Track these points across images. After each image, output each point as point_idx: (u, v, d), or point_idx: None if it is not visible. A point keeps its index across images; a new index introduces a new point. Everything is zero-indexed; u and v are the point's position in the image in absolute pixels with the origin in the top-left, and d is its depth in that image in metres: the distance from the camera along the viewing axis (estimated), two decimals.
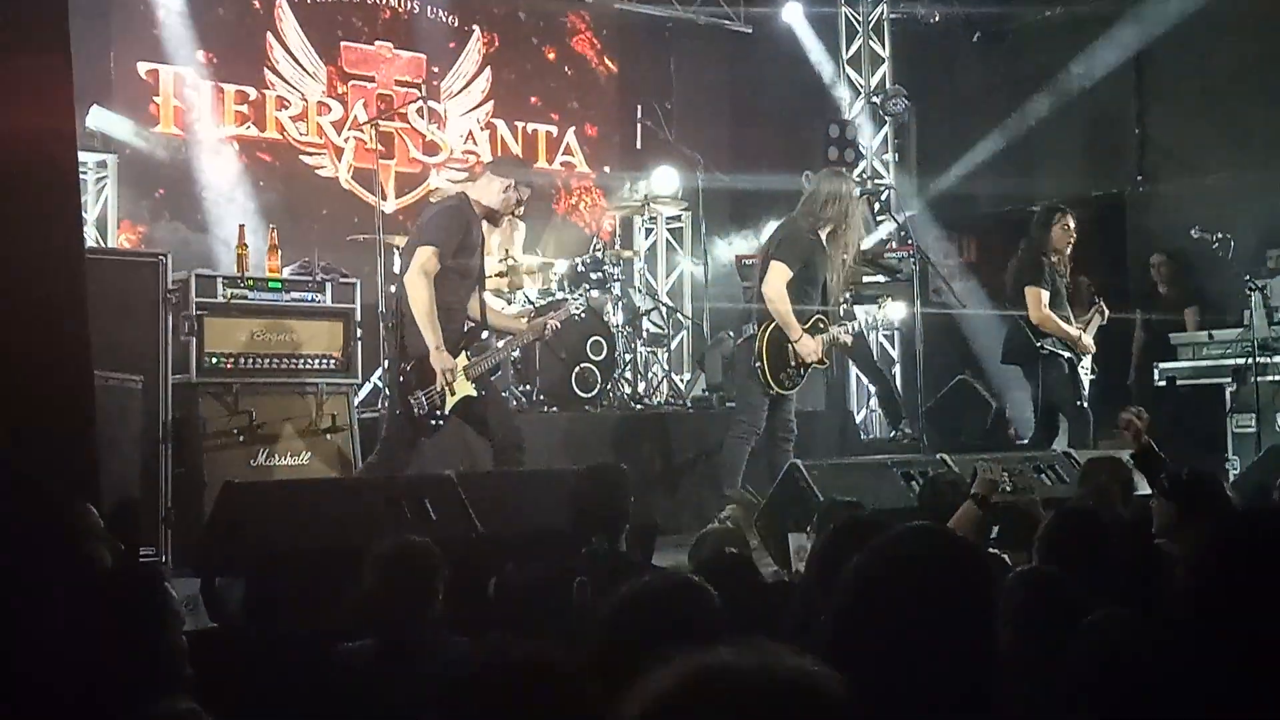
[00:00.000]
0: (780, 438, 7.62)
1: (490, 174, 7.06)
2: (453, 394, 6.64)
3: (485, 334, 7.00)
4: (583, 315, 8.17)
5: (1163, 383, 9.31)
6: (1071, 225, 8.72)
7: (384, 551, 3.98)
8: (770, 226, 9.07)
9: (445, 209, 7.04)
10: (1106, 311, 9.03)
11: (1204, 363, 9.75)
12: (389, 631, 3.82)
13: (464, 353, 6.73)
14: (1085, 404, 8.60)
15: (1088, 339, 8.70)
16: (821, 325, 7.61)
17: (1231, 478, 8.43)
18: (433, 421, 6.68)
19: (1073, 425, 8.54)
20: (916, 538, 2.35)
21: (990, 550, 5.04)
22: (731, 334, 10.32)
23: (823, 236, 7.59)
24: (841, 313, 7.95)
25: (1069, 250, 8.74)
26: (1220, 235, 9.44)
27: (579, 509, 4.60)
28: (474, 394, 6.73)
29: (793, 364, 7.52)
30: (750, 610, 3.40)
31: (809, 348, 7.49)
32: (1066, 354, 8.56)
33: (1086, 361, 8.70)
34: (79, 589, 3.12)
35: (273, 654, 4.38)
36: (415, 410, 6.63)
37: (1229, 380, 9.52)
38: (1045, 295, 8.53)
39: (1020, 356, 8.79)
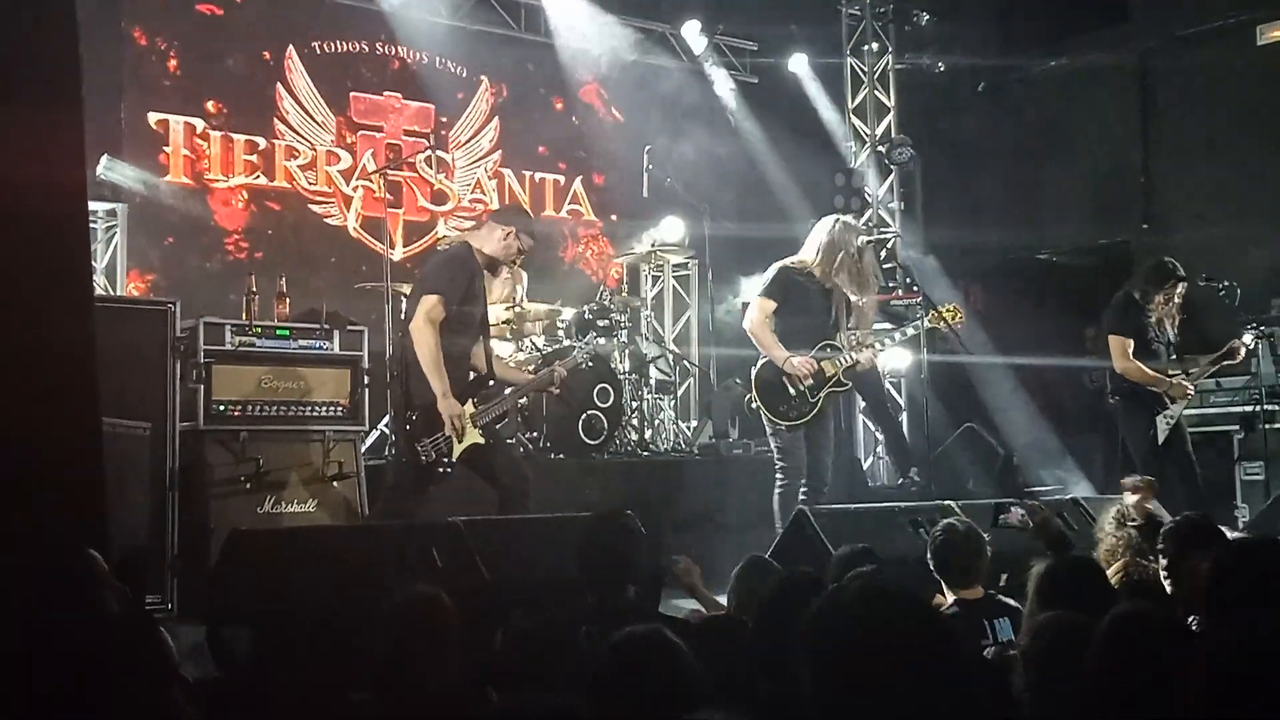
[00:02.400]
0: (812, 487, 7.43)
1: (491, 222, 7.08)
2: (459, 441, 6.63)
3: (491, 382, 6.99)
4: (590, 364, 8.16)
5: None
6: (1177, 295, 8.62)
7: (396, 603, 3.95)
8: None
9: (448, 257, 7.06)
10: (1240, 349, 8.77)
11: (1212, 410, 9.73)
12: (401, 685, 3.79)
13: (470, 400, 6.73)
14: (1159, 453, 8.53)
15: (1182, 383, 8.53)
16: (830, 351, 7.50)
17: (1240, 525, 8.39)
18: (440, 469, 6.66)
19: (1145, 473, 8.57)
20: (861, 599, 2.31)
21: (1000, 597, 5.04)
22: (740, 382, 10.32)
23: (823, 279, 7.54)
24: (854, 341, 7.78)
25: (1168, 310, 8.69)
26: (1226, 283, 9.44)
27: (588, 557, 4.58)
28: (481, 441, 6.72)
29: (793, 392, 7.39)
30: None
31: (798, 365, 7.33)
32: (1146, 402, 8.54)
33: (1176, 408, 8.55)
34: (86, 636, 3.11)
35: (278, 702, 4.36)
36: (423, 458, 6.61)
37: (1237, 428, 9.50)
38: (1130, 344, 8.53)
39: (1110, 400, 8.90)
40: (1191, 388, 8.64)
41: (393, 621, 3.89)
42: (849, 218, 7.88)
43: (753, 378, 7.50)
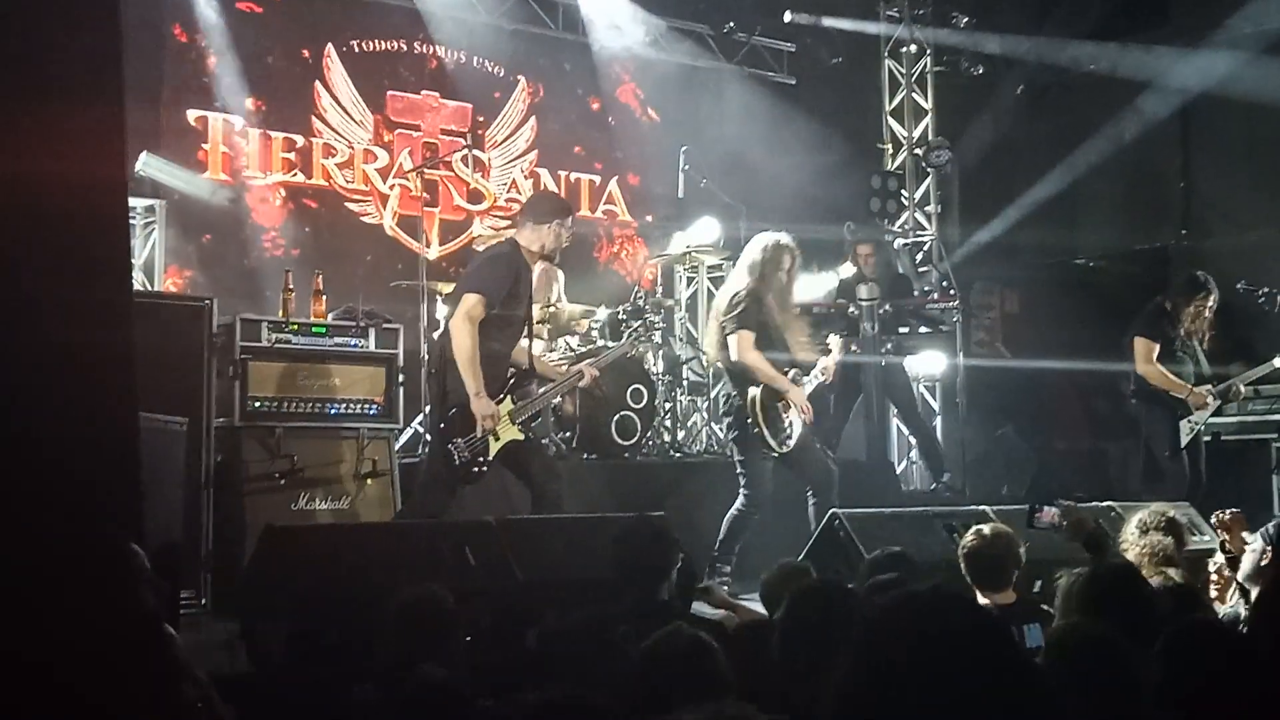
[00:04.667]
0: (824, 485, 7.55)
1: (532, 224, 6.97)
2: (497, 439, 6.62)
3: (531, 382, 6.98)
4: (637, 352, 8.18)
5: (1209, 438, 9.23)
6: (1207, 309, 8.84)
7: (398, 602, 3.96)
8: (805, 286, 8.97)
9: (494, 256, 7.02)
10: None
11: (1250, 418, 9.65)
12: (404, 683, 3.77)
13: (509, 397, 6.72)
14: (1180, 455, 8.69)
15: (1201, 394, 8.74)
16: (798, 378, 7.61)
17: None
18: (475, 469, 6.64)
19: (1165, 473, 8.82)
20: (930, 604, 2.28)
21: (1034, 603, 5.03)
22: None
23: (766, 294, 7.55)
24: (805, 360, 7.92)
25: (1198, 324, 8.84)
26: (1266, 289, 9.38)
27: (622, 558, 4.58)
28: (520, 438, 6.73)
29: (785, 421, 7.50)
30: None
31: (801, 397, 7.49)
32: (1169, 405, 8.75)
33: (1200, 415, 8.75)
34: (123, 632, 3.12)
35: (312, 699, 4.37)
36: (456, 457, 6.60)
37: (1275, 436, 9.43)
38: (1155, 348, 8.77)
39: (1130, 401, 9.11)
40: (1211, 399, 8.71)
41: (397, 619, 3.91)
42: (784, 236, 7.80)
43: (757, 402, 7.45)
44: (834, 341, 8.09)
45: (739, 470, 7.62)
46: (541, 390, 7.05)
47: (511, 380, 6.80)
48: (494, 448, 6.63)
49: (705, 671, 2.87)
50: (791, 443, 7.53)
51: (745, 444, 7.55)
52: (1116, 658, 3.07)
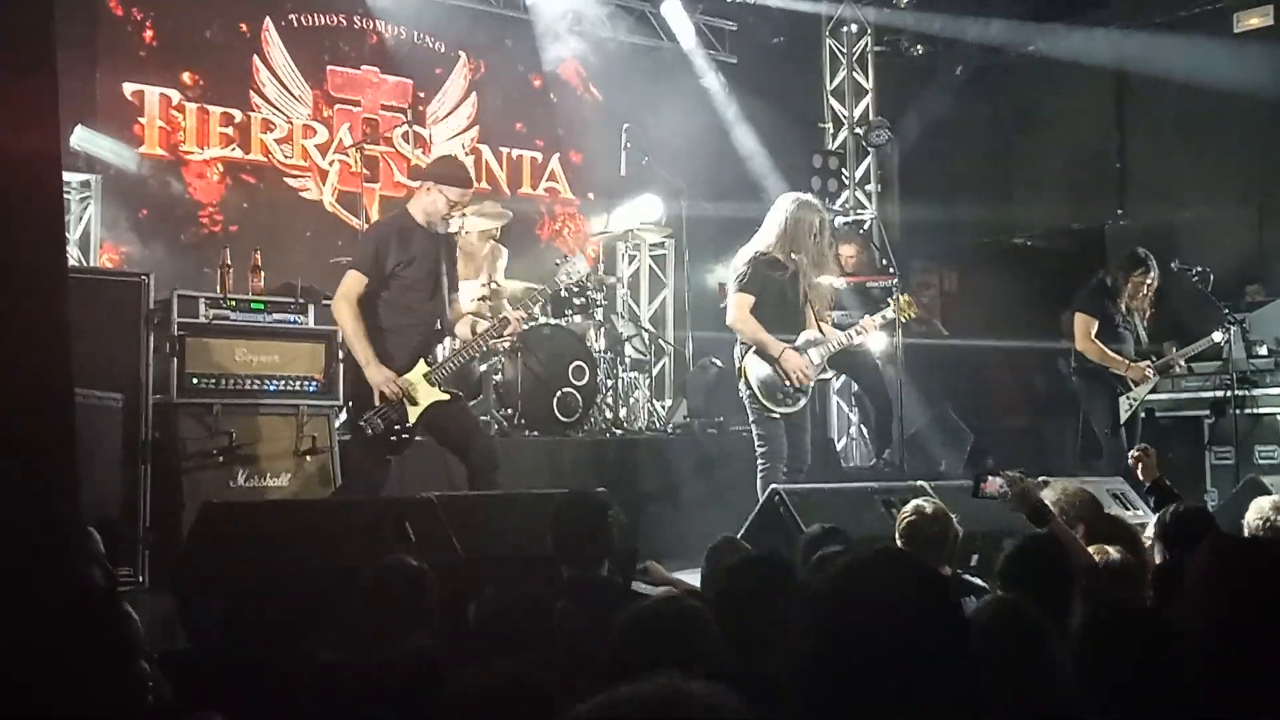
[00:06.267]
0: (792, 468, 7.49)
1: (422, 181, 7.05)
2: (415, 404, 6.61)
3: (441, 341, 6.98)
4: (565, 283, 8.16)
5: (1143, 414, 9.37)
6: (1147, 284, 8.97)
7: (375, 572, 3.95)
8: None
9: (370, 228, 7.20)
10: (1216, 338, 9.21)
11: (1183, 395, 9.80)
12: (379, 652, 3.77)
13: (420, 361, 6.71)
14: (1119, 431, 8.82)
15: (1142, 369, 8.87)
16: (815, 340, 7.58)
17: (1210, 509, 8.46)
18: (393, 437, 6.62)
19: (1104, 449, 8.91)
20: (884, 563, 2.30)
21: (967, 577, 5.08)
22: (716, 361, 10.34)
23: (787, 261, 7.57)
24: (834, 324, 7.92)
25: (1138, 301, 8.97)
26: (1200, 268, 9.51)
27: (562, 534, 4.59)
28: (444, 398, 6.70)
29: (786, 381, 7.47)
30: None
31: (794, 362, 7.42)
32: (1108, 382, 8.89)
33: (1140, 391, 8.88)
34: (66, 611, 3.10)
35: (249, 675, 4.36)
36: (369, 429, 6.60)
37: (1207, 413, 9.59)
38: (1094, 324, 8.88)
39: (1071, 378, 9.26)
40: (1151, 373, 8.84)
41: (373, 588, 3.90)
42: (808, 196, 7.86)
43: (745, 368, 7.48)
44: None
45: (754, 433, 7.59)
46: (458, 345, 7.01)
47: (418, 345, 6.77)
48: (414, 413, 6.62)
49: (691, 644, 2.82)
50: (796, 405, 7.50)
51: (750, 406, 7.54)
52: (1030, 632, 3.10)
